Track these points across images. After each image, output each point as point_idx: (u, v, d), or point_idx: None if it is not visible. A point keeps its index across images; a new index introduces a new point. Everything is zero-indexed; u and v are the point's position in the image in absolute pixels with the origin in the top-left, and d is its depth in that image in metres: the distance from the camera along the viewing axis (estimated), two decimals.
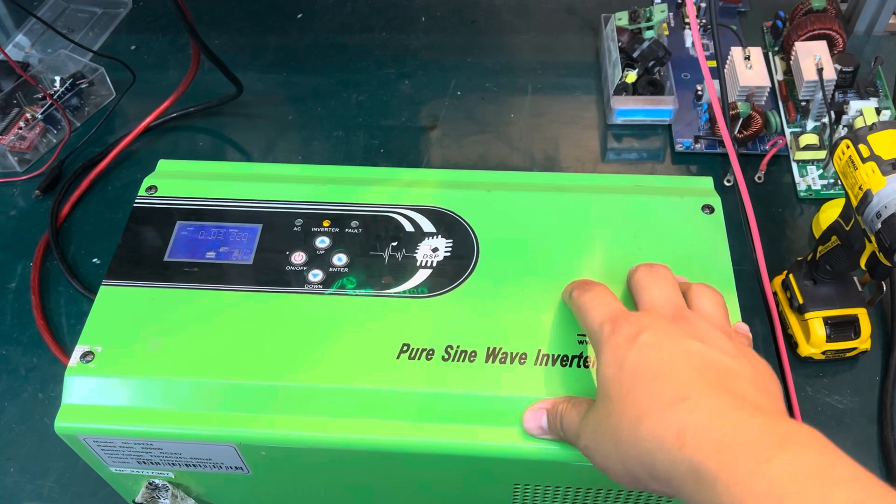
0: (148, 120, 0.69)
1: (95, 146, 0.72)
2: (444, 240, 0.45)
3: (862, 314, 0.55)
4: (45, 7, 0.84)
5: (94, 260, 0.65)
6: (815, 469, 0.28)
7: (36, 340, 0.60)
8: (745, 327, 0.40)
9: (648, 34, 0.73)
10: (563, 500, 0.42)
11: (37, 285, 0.62)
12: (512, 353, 0.40)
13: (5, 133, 0.71)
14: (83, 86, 0.74)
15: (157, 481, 0.44)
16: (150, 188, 0.48)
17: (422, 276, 0.43)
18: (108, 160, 0.69)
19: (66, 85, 0.73)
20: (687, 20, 0.76)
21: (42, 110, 0.71)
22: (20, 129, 0.71)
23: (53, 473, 0.54)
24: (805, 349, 0.55)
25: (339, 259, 0.44)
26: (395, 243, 0.45)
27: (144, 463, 0.42)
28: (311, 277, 0.43)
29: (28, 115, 0.72)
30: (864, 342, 0.55)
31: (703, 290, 0.39)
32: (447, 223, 0.46)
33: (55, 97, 0.72)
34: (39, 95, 0.73)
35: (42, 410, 0.57)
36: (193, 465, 0.42)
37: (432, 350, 0.40)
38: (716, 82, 0.63)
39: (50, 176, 0.69)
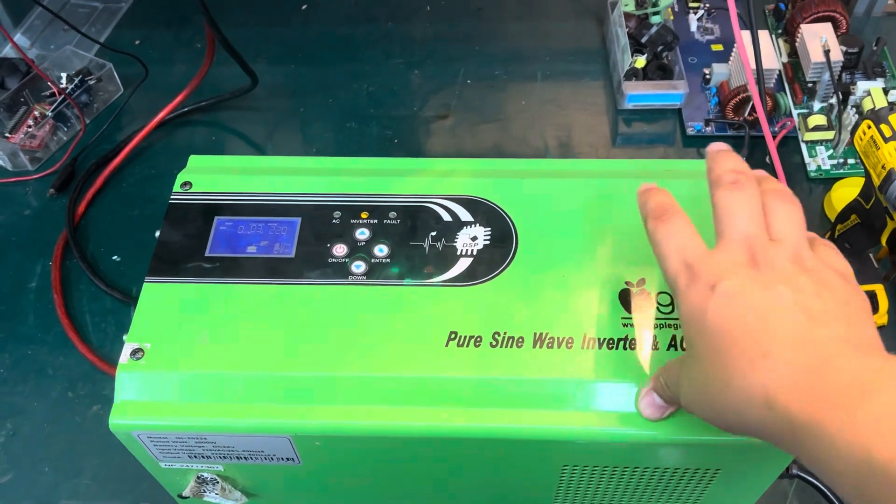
0: (162, 114, 0.69)
1: (106, 143, 0.72)
2: (482, 228, 0.45)
3: (879, 290, 0.56)
4: (45, 2, 0.83)
5: (114, 257, 0.65)
6: None
7: (61, 339, 0.60)
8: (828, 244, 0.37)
9: (655, 19, 0.74)
10: (610, 480, 0.43)
11: (58, 284, 0.62)
12: (559, 338, 0.41)
13: (14, 132, 0.70)
14: (91, 82, 0.73)
15: (205, 475, 0.44)
16: (184, 184, 0.48)
17: (463, 264, 0.44)
18: (122, 156, 0.69)
19: (76, 81, 0.72)
20: (692, 4, 0.77)
21: (53, 107, 0.71)
22: (29, 127, 0.71)
23: (88, 471, 0.54)
24: None
25: (381, 250, 0.45)
26: (434, 233, 0.45)
27: (196, 457, 0.42)
28: (354, 269, 0.44)
29: (36, 113, 0.71)
30: (881, 317, 0.56)
31: (780, 206, 0.36)
32: (484, 212, 0.46)
33: (66, 93, 0.71)
34: (47, 93, 0.72)
35: (72, 409, 0.57)
36: (245, 458, 0.42)
37: (480, 337, 0.41)
38: (724, 66, 0.64)
39: (63, 174, 0.68)
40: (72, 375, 0.58)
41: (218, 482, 0.44)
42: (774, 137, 0.68)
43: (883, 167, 0.47)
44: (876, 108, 0.48)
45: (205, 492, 0.45)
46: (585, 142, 0.71)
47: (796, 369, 0.30)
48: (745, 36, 0.69)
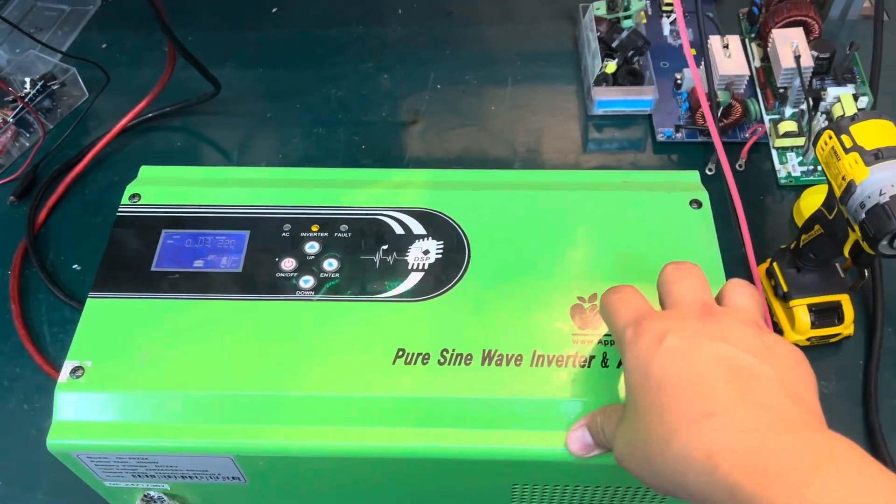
0: (124, 121, 0.68)
1: (70, 149, 0.71)
2: (434, 241, 0.45)
3: (845, 300, 0.55)
4: (12, 6, 0.82)
5: (75, 266, 0.64)
6: (853, 490, 0.27)
7: (17, 350, 0.59)
8: None
9: (627, 23, 0.73)
10: (562, 499, 0.42)
11: (16, 294, 0.61)
12: (507, 355, 0.40)
13: None
14: (54, 87, 0.72)
15: (152, 493, 0.43)
16: (133, 196, 0.47)
17: (414, 279, 0.43)
18: (84, 163, 0.68)
19: (38, 87, 0.71)
20: (665, 8, 0.76)
21: (14, 114, 0.70)
22: None
23: (44, 485, 0.53)
24: (790, 336, 0.56)
25: (330, 264, 0.44)
26: (385, 246, 0.44)
27: (139, 476, 0.42)
28: (302, 284, 0.43)
29: None
30: (847, 328, 0.56)
31: (736, 284, 0.37)
32: (437, 225, 0.45)
33: (26, 99, 0.70)
34: (9, 98, 0.71)
35: (28, 422, 0.56)
36: (190, 477, 0.41)
37: (428, 354, 0.40)
38: (700, 70, 0.64)
39: (25, 181, 0.67)
40: (28, 387, 0.57)
41: (165, 500, 0.44)
42: (745, 143, 0.68)
43: (843, 178, 0.47)
44: (836, 118, 0.47)
45: None
46: (555, 148, 0.70)
47: (741, 435, 0.30)
48: (715, 41, 0.69)
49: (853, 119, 0.47)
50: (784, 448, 0.29)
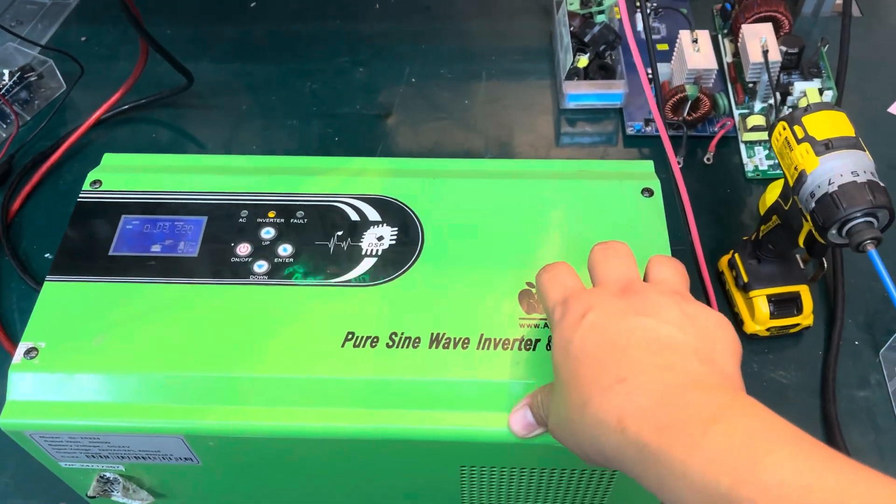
0: (98, 113, 0.69)
1: (46, 140, 0.71)
2: (389, 228, 0.45)
3: (804, 291, 0.56)
4: None
5: (47, 255, 0.64)
6: (749, 436, 0.28)
7: None
8: None
9: (600, 18, 0.73)
10: (510, 481, 0.43)
11: None
12: (455, 339, 0.41)
13: None
14: (32, 79, 0.73)
15: (107, 474, 0.44)
16: (94, 182, 0.48)
17: (367, 264, 0.44)
18: (58, 154, 0.68)
19: (15, 78, 0.72)
20: (638, 3, 0.77)
21: None
22: None
23: (8, 470, 0.54)
24: (750, 326, 0.57)
25: (285, 249, 0.44)
26: (340, 232, 0.45)
27: (93, 457, 0.42)
28: (256, 268, 0.44)
29: None
30: (806, 318, 0.56)
31: (661, 259, 0.38)
32: (392, 211, 0.46)
33: (2, 91, 0.71)
34: None
35: None
36: (143, 458, 0.42)
37: (377, 337, 0.41)
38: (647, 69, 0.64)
39: (0, 171, 0.68)
40: None
41: (120, 482, 0.44)
42: (713, 137, 0.68)
43: (795, 168, 0.47)
44: (791, 110, 0.48)
45: (108, 491, 0.45)
46: (527, 141, 0.71)
47: (650, 396, 0.31)
48: (685, 36, 0.69)
49: (806, 110, 0.48)
50: (687, 403, 0.30)
